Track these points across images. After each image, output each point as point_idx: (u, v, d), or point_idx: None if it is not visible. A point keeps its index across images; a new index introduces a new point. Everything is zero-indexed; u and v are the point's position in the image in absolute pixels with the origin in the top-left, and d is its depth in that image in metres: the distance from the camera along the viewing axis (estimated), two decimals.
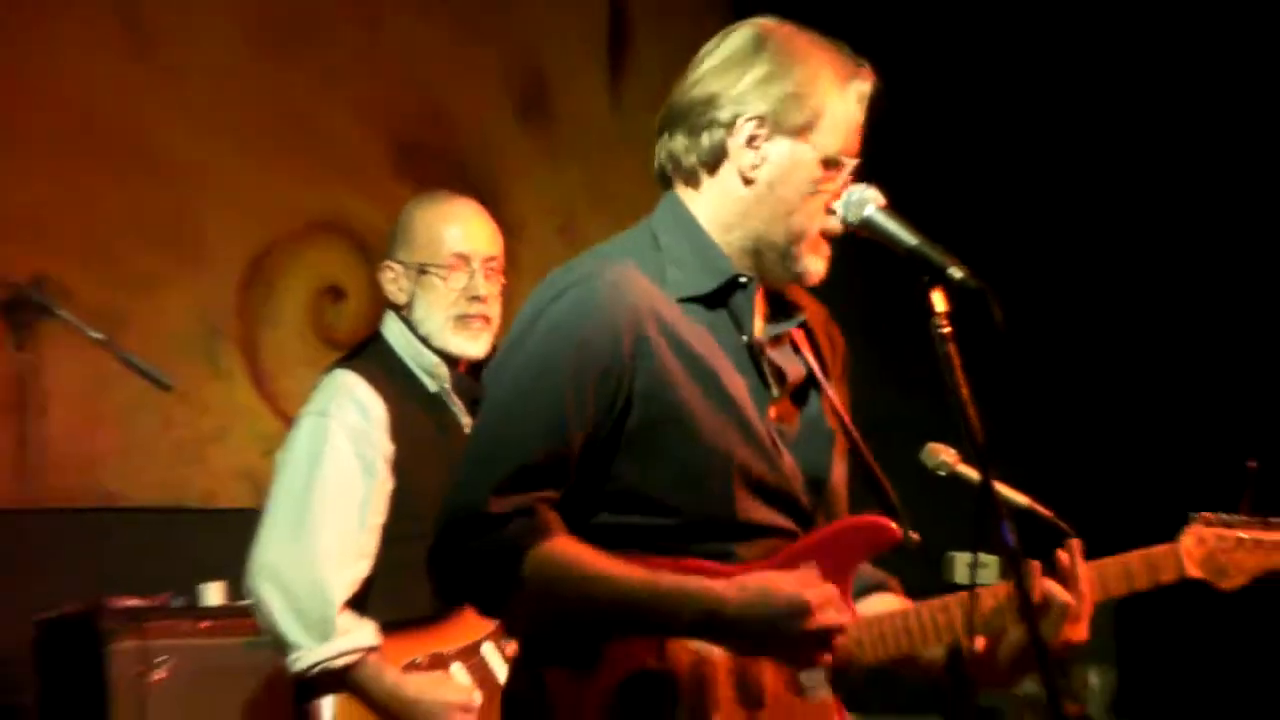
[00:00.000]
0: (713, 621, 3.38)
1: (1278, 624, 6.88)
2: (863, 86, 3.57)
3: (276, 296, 7.45)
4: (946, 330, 3.30)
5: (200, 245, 7.31)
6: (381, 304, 5.23)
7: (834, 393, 3.71)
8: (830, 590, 3.42)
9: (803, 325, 3.72)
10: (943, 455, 4.31)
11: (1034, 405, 7.00)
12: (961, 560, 6.37)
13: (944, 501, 4.09)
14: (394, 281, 5.12)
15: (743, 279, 3.57)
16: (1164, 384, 7.26)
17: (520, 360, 3.47)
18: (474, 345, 5.06)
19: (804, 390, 3.69)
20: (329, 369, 5.11)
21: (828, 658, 3.47)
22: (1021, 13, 7.66)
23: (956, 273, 3.33)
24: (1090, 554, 3.76)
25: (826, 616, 3.40)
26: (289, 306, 7.48)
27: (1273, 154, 7.06)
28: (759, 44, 3.55)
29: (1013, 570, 3.29)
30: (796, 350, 3.69)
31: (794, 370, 3.66)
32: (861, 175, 3.59)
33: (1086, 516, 4.20)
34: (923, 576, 3.83)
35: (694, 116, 3.55)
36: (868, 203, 3.49)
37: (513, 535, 3.35)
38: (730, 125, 3.53)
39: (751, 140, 3.53)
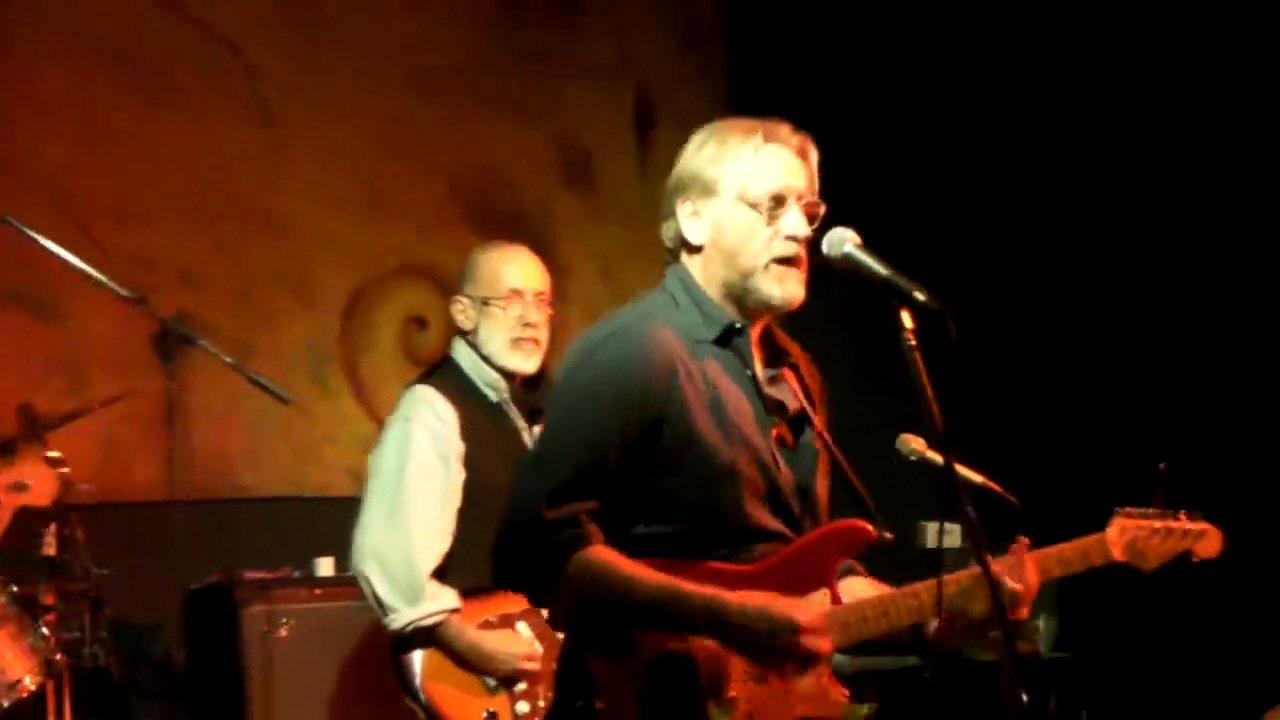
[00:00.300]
0: (717, 628, 3.36)
1: (1192, 572, 6.80)
2: (771, 133, 3.53)
3: (372, 327, 7.42)
4: (913, 343, 3.30)
5: (311, 287, 7.31)
6: (454, 330, 5.17)
7: (819, 420, 3.69)
8: (818, 618, 3.42)
9: (792, 367, 3.70)
10: (913, 444, 4.34)
11: (986, 403, 6.91)
12: (930, 528, 6.30)
13: (915, 481, 4.05)
14: (462, 312, 5.06)
15: (738, 325, 3.56)
16: (1093, 385, 7.21)
17: (572, 392, 3.48)
18: (527, 363, 5.02)
19: (798, 419, 3.67)
20: (409, 384, 5.08)
21: (806, 669, 3.44)
22: (958, 71, 7.63)
23: (920, 296, 3.32)
24: (1031, 520, 3.81)
25: (809, 640, 3.40)
26: (382, 334, 7.44)
27: (1189, 174, 7.03)
28: (689, 143, 3.60)
29: (970, 535, 3.25)
30: (790, 388, 3.67)
31: (791, 403, 3.65)
32: (839, 218, 3.54)
33: (1029, 491, 4.14)
34: (898, 541, 3.72)
35: (663, 210, 3.60)
36: (846, 241, 3.46)
37: (559, 542, 3.35)
38: (674, 212, 3.56)
39: (690, 214, 3.55)
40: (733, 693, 3.39)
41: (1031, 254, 7.44)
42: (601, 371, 3.44)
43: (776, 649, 3.39)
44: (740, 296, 3.54)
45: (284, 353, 7.14)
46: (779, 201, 3.50)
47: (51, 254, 5.20)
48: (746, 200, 3.50)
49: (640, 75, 8.15)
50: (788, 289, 3.52)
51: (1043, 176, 7.44)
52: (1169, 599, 6.88)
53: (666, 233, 3.61)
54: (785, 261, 3.51)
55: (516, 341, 5.00)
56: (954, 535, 3.70)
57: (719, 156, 3.52)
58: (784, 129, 3.55)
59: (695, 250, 3.56)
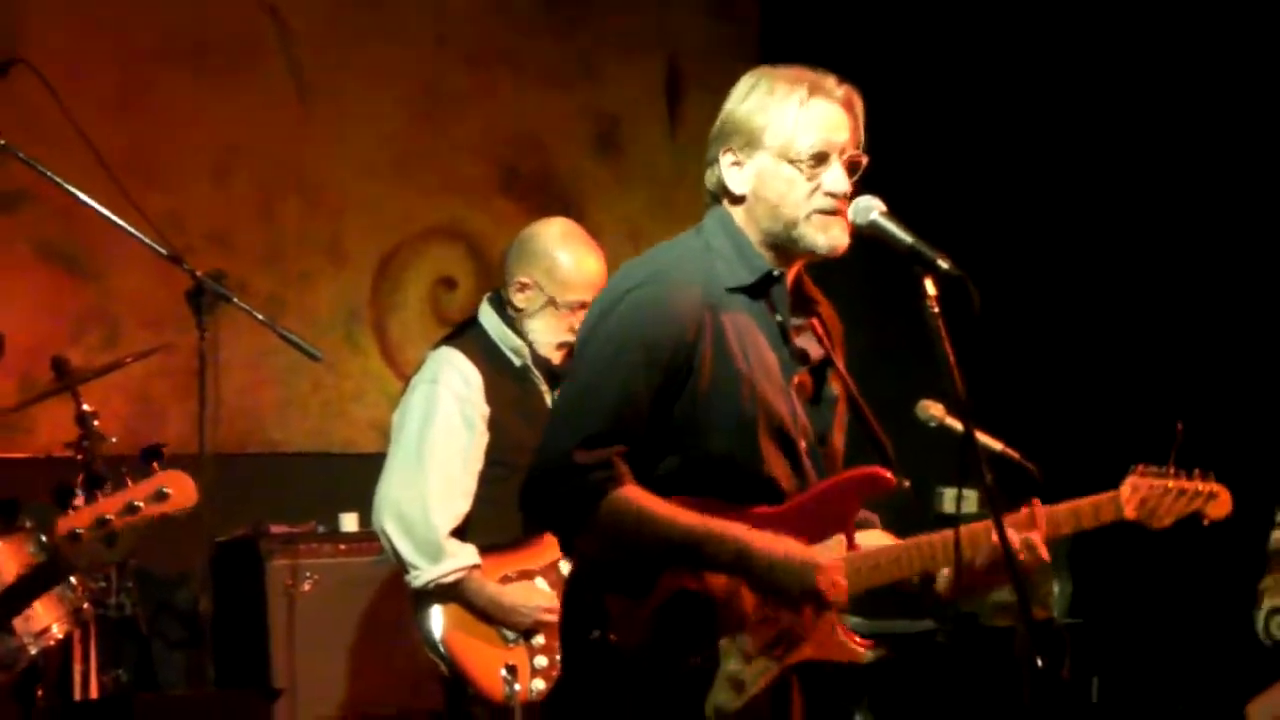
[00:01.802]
0: (742, 568, 3.39)
1: (1198, 542, 6.78)
2: (817, 86, 3.49)
3: (402, 287, 7.42)
4: (935, 310, 3.29)
5: (343, 248, 7.31)
6: (483, 291, 5.13)
7: (841, 365, 3.67)
8: (836, 558, 3.46)
9: (817, 315, 3.67)
10: (932, 410, 4.33)
11: (1007, 369, 6.88)
12: (949, 494, 6.27)
13: (935, 447, 4.03)
14: (524, 295, 4.93)
15: (776, 273, 3.53)
16: (1110, 355, 7.24)
17: (602, 340, 3.46)
18: (562, 363, 4.93)
19: (820, 369, 3.64)
20: (436, 345, 5.01)
21: (824, 610, 3.46)
22: (990, 42, 7.65)
23: (943, 264, 3.32)
24: (1047, 487, 3.78)
25: (827, 580, 3.43)
26: (411, 295, 7.43)
27: (1204, 139, 7.05)
28: (737, 87, 3.55)
29: (990, 500, 3.26)
30: (815, 335, 3.65)
31: (814, 350, 3.63)
32: (869, 184, 3.52)
33: (1047, 458, 4.11)
34: (918, 508, 3.78)
35: (707, 156, 3.56)
36: (872, 210, 3.46)
37: (592, 482, 3.35)
38: (717, 159, 3.53)
39: (735, 164, 3.52)
40: (746, 632, 3.42)
41: (1053, 224, 7.46)
42: (632, 321, 3.42)
43: (797, 593, 3.41)
44: (785, 245, 3.51)
45: (314, 311, 7.16)
46: (821, 159, 3.47)
47: (92, 210, 5.18)
48: (788, 157, 3.46)
49: (672, 45, 8.09)
50: (832, 236, 3.48)
51: (1063, 150, 7.44)
52: (1182, 566, 6.91)
53: (709, 179, 3.56)
54: (826, 212, 3.48)
55: (563, 345, 4.89)
56: (971, 501, 3.67)
57: (763, 109, 3.48)
58: (830, 80, 3.51)
59: (738, 200, 3.52)
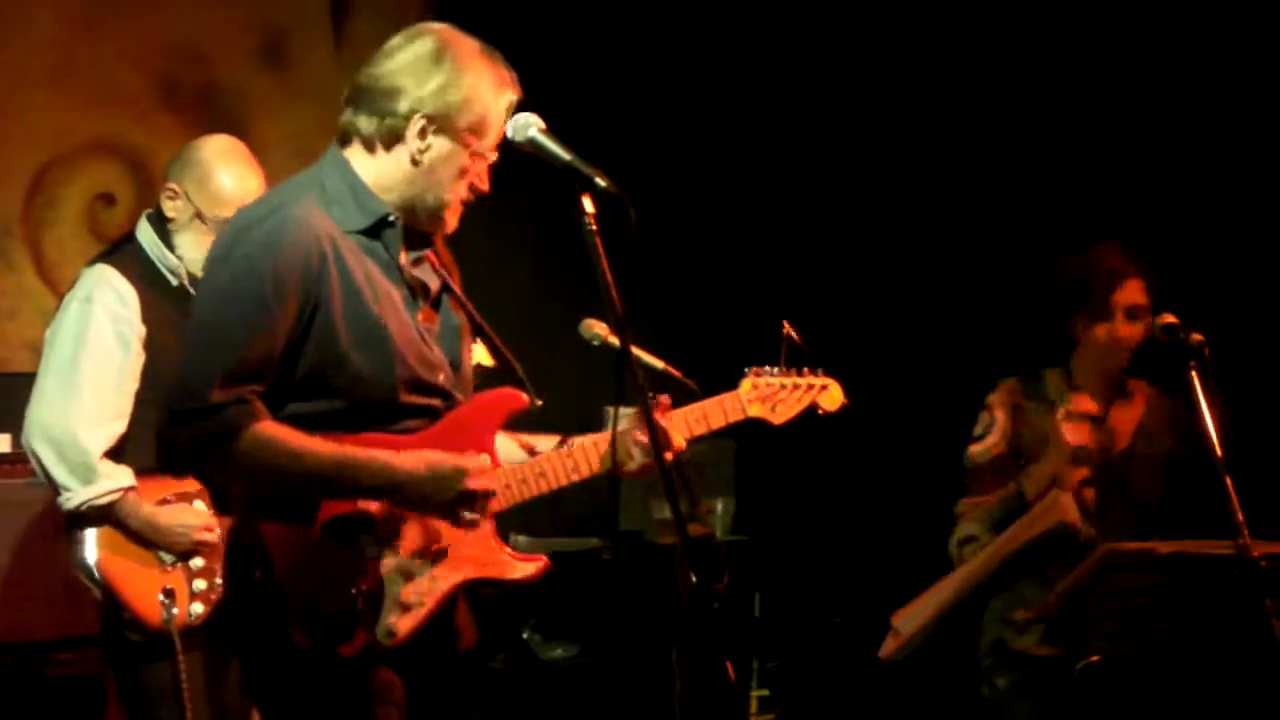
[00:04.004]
0: (389, 487, 3.47)
1: (856, 467, 7.01)
2: (511, 98, 3.62)
3: (58, 202, 7.19)
4: (593, 228, 3.38)
5: None
6: (143, 208, 5.02)
7: (460, 294, 3.78)
8: (482, 462, 3.56)
9: (433, 250, 3.75)
10: (596, 328, 4.38)
11: (664, 287, 7.02)
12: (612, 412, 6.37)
13: (600, 365, 4.09)
14: (174, 205, 4.87)
15: (391, 218, 3.61)
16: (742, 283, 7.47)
17: (227, 278, 3.48)
18: None
19: (439, 299, 3.74)
20: (91, 262, 4.91)
21: (478, 515, 3.58)
22: None
23: (601, 182, 3.41)
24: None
25: (477, 482, 3.54)
26: (68, 210, 7.20)
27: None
28: (439, 54, 3.58)
29: (645, 416, 3.41)
30: (431, 267, 3.73)
31: (432, 283, 3.72)
32: (535, 106, 3.60)
33: (708, 374, 4.21)
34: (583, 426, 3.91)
35: (379, 101, 3.57)
36: (530, 126, 3.55)
37: (229, 419, 3.37)
38: (408, 117, 3.55)
39: (422, 132, 3.56)
40: (408, 555, 3.51)
41: (706, 148, 7.65)
42: (256, 256, 3.44)
43: (447, 499, 3.52)
44: (422, 216, 3.63)
45: None
46: (484, 156, 3.62)
47: None
48: (471, 149, 3.58)
49: None
50: (455, 223, 3.67)
51: (718, 81, 7.68)
52: (839, 485, 7.13)
53: (381, 124, 3.56)
54: (465, 203, 3.65)
55: None
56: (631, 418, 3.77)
57: (472, 102, 3.56)
58: (517, 88, 3.63)
59: (415, 162, 3.56)
